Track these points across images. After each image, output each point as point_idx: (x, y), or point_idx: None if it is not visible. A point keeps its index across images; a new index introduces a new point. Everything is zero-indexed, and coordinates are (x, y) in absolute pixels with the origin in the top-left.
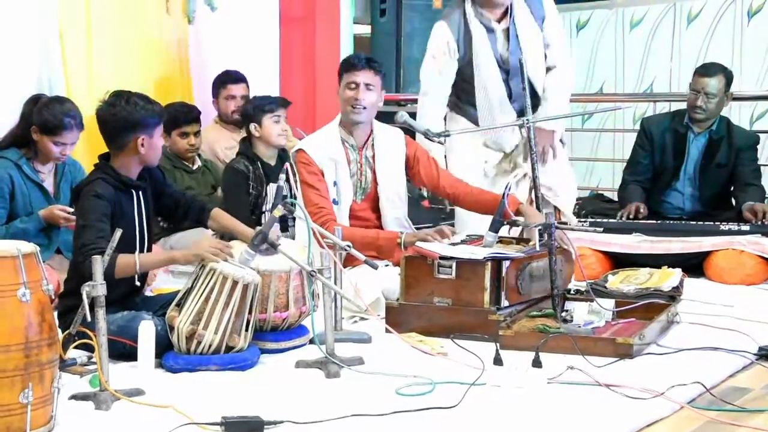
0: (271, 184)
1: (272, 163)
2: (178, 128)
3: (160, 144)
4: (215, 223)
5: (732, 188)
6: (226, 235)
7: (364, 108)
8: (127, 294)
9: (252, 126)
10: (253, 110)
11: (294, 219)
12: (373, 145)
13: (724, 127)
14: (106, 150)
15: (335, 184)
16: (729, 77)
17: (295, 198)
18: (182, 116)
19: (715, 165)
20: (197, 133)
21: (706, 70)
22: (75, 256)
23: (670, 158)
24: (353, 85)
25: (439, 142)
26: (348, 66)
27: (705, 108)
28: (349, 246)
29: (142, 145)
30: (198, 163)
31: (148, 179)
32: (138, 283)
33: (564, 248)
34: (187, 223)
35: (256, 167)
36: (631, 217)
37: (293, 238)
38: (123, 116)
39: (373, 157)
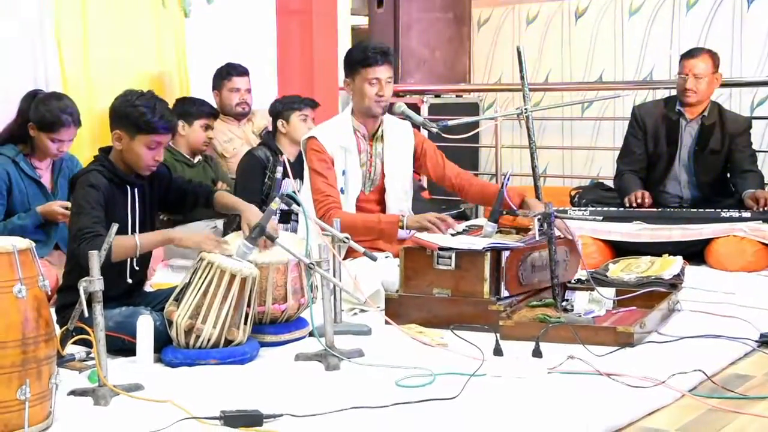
0: (286, 179)
1: (292, 159)
2: (205, 119)
3: (143, 154)
4: (219, 204)
5: (729, 175)
6: (232, 225)
7: (386, 101)
8: (126, 290)
9: (279, 122)
10: (283, 107)
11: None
12: (382, 136)
13: (715, 112)
14: (105, 145)
15: (344, 173)
16: (715, 59)
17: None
18: (209, 109)
19: (709, 151)
20: (209, 127)
21: (691, 52)
22: (71, 242)
23: (663, 145)
24: (374, 81)
25: (438, 133)
26: (366, 61)
27: (695, 90)
28: (347, 238)
29: (119, 140)
30: (198, 156)
31: (150, 179)
32: (129, 280)
33: (568, 239)
34: (197, 212)
35: (276, 159)
36: (637, 203)
37: (295, 231)
38: (113, 106)
39: (383, 148)
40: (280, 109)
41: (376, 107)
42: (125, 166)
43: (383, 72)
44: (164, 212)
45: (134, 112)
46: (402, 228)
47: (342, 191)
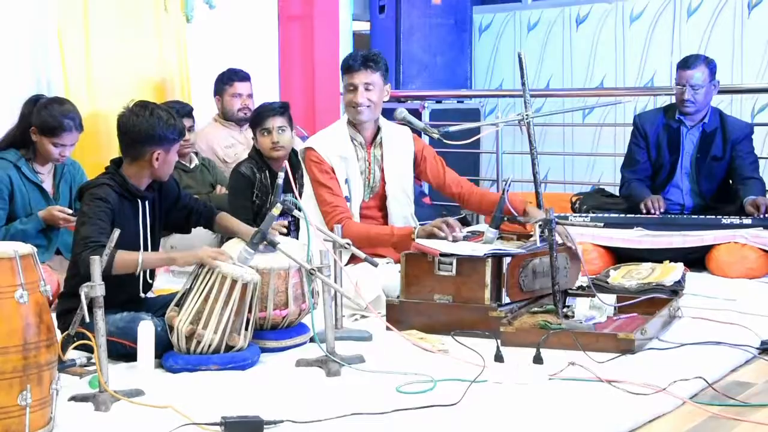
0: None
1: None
2: None
3: (173, 160)
4: (221, 226)
5: (731, 181)
6: (225, 237)
7: (368, 107)
8: (129, 297)
9: (254, 140)
10: (251, 123)
11: (296, 224)
12: (381, 143)
13: (716, 118)
14: (107, 149)
15: (347, 181)
16: (711, 66)
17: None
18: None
19: (711, 158)
20: (191, 128)
21: (687, 62)
22: (74, 249)
23: (665, 153)
24: (351, 87)
25: (439, 139)
26: (345, 67)
27: (693, 100)
28: (348, 244)
29: (157, 159)
30: (195, 161)
31: (158, 191)
32: (143, 294)
33: (568, 246)
34: (196, 228)
35: (263, 175)
36: (653, 210)
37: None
38: (144, 128)
39: (382, 155)
40: (251, 125)
41: (355, 114)
42: (139, 181)
43: (359, 77)
44: (165, 229)
45: (169, 129)
46: (414, 240)
47: (348, 199)
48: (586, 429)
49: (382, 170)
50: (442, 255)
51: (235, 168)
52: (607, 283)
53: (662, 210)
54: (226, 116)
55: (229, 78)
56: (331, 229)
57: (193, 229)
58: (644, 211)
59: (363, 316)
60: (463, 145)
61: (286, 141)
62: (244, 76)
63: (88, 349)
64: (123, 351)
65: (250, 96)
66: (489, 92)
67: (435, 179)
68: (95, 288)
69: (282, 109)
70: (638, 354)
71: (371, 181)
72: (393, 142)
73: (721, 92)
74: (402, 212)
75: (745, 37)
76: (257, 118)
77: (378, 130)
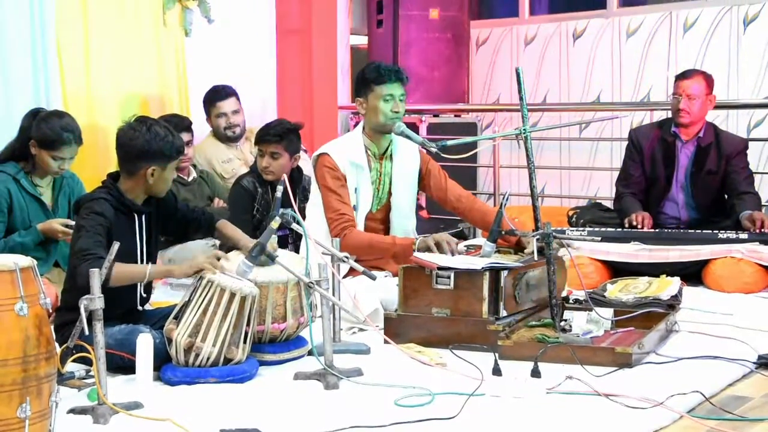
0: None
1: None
2: None
3: (171, 177)
4: (221, 234)
5: (727, 196)
6: (225, 247)
7: (401, 117)
8: (126, 310)
9: (258, 150)
10: (258, 138)
11: (294, 236)
12: (391, 156)
13: (711, 133)
14: (105, 163)
15: (356, 190)
16: (709, 80)
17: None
18: (174, 126)
19: (706, 172)
20: (189, 143)
21: (685, 74)
22: (70, 261)
23: (660, 167)
24: (389, 97)
25: (437, 153)
26: (380, 79)
27: (689, 110)
28: (347, 257)
29: (152, 175)
30: (193, 174)
31: (156, 204)
32: (140, 308)
33: (557, 256)
34: (197, 236)
35: (265, 190)
36: (638, 225)
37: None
38: (139, 143)
39: (392, 167)
40: (256, 136)
41: (391, 123)
42: (135, 195)
43: (397, 89)
44: (164, 236)
45: (165, 146)
46: (415, 251)
47: (355, 208)
48: None
49: (390, 182)
50: (440, 269)
51: (237, 181)
52: (604, 297)
53: (647, 227)
54: (217, 136)
55: (210, 99)
56: (336, 236)
57: (192, 237)
58: (627, 225)
59: (361, 330)
60: (461, 159)
61: (276, 167)
62: (226, 93)
63: (87, 361)
64: (122, 363)
65: (236, 112)
66: (486, 106)
67: (438, 193)
68: (95, 300)
69: (279, 137)
70: (635, 368)
71: (380, 192)
72: (402, 155)
73: (717, 107)
74: (404, 226)
75: (741, 52)
76: (257, 136)
77: (390, 142)
